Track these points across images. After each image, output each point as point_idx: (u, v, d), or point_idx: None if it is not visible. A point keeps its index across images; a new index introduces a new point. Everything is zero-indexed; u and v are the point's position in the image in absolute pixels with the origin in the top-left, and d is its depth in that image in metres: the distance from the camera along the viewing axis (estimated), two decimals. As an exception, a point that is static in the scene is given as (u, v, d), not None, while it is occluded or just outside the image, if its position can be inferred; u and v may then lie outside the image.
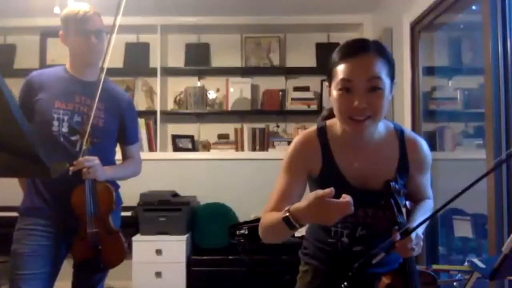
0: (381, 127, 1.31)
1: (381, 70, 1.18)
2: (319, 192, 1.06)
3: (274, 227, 1.19)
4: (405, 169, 1.30)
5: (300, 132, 1.38)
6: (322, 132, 1.32)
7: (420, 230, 1.19)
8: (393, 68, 1.25)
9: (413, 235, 1.14)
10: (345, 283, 1.20)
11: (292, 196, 1.27)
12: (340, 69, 1.18)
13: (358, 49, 1.19)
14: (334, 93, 1.21)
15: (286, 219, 1.12)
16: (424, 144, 1.35)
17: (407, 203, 1.28)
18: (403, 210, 1.26)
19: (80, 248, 1.82)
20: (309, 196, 1.10)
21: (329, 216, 1.07)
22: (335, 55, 1.23)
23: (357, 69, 1.17)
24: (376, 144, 1.29)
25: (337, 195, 1.18)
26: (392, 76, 1.24)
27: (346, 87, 1.17)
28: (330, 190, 1.05)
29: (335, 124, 1.31)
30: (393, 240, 1.14)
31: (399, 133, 1.33)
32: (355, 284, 1.25)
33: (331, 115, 1.35)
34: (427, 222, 1.29)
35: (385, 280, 1.26)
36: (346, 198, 1.06)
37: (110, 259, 1.84)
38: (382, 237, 1.23)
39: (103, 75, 1.84)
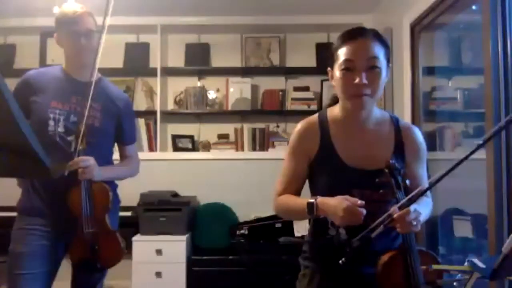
0: (377, 113, 1.42)
1: (379, 52, 1.32)
2: (350, 198, 1.21)
3: (294, 209, 1.37)
4: (401, 154, 1.38)
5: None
6: (322, 116, 1.44)
7: (424, 213, 1.23)
8: (389, 52, 1.38)
9: (411, 208, 1.16)
10: (343, 259, 1.22)
11: (297, 179, 1.42)
12: (342, 52, 1.33)
13: (358, 34, 1.33)
14: (337, 73, 1.34)
15: (310, 205, 1.28)
16: (418, 132, 1.44)
17: (407, 181, 1.28)
18: (403, 189, 1.26)
19: (77, 248, 1.82)
20: (338, 197, 1.23)
21: (343, 217, 1.19)
22: (337, 41, 1.37)
23: (357, 50, 1.31)
24: (373, 127, 1.40)
25: (333, 175, 1.36)
26: (388, 59, 1.37)
27: (348, 67, 1.31)
28: (361, 202, 1.19)
29: (336, 109, 1.44)
30: (391, 213, 1.17)
31: (395, 120, 1.44)
32: (352, 277, 1.32)
33: (333, 103, 1.47)
34: (428, 213, 1.35)
35: (384, 258, 1.25)
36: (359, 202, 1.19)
37: (107, 259, 1.84)
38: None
39: (94, 76, 1.84)
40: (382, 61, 1.32)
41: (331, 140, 1.39)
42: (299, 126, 1.45)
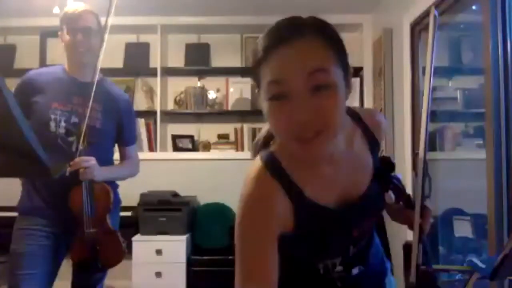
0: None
1: (327, 58, 0.82)
2: None
3: None
4: (377, 149, 1.06)
5: (246, 181, 0.94)
6: (274, 166, 0.92)
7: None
8: (344, 52, 0.87)
9: (429, 206, 1.03)
10: None
11: (273, 266, 0.87)
12: (266, 69, 0.83)
13: (287, 34, 0.83)
14: (264, 104, 0.85)
15: None
16: (380, 114, 1.14)
17: (397, 175, 1.14)
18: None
19: (78, 248, 1.82)
20: None
21: None
22: (258, 46, 0.85)
23: (288, 63, 0.81)
24: (344, 148, 0.98)
25: (325, 230, 0.96)
26: (344, 63, 0.86)
27: (278, 93, 0.81)
28: None
29: (285, 145, 0.92)
30: (420, 222, 0.99)
31: (357, 118, 1.03)
32: None
33: (271, 135, 0.99)
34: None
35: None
36: None
37: (108, 259, 1.84)
38: (370, 245, 1.11)
39: (96, 76, 1.85)
40: (334, 74, 0.82)
41: (303, 193, 0.92)
42: (249, 200, 0.90)
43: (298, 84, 0.80)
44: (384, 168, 1.07)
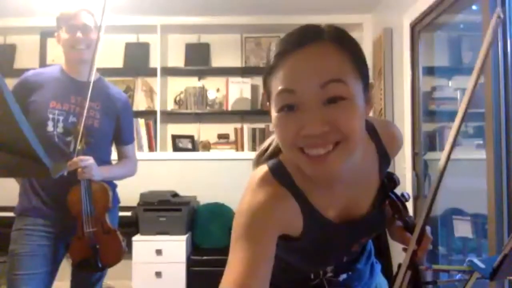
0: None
1: (343, 68, 0.75)
2: None
3: None
4: (387, 166, 1.00)
5: (251, 186, 0.88)
6: (281, 173, 0.86)
7: None
8: (363, 63, 0.80)
9: (429, 233, 0.95)
10: None
11: (264, 265, 0.83)
12: (277, 77, 0.77)
13: (303, 38, 0.75)
14: (274, 115, 0.79)
15: None
16: (395, 127, 1.06)
17: (405, 193, 1.05)
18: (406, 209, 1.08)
19: (78, 247, 1.83)
20: None
21: None
22: (271, 54, 0.81)
23: (300, 70, 0.74)
24: (356, 167, 0.89)
25: (326, 243, 0.94)
26: (364, 75, 0.79)
27: (289, 104, 0.75)
28: None
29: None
30: (415, 249, 0.88)
31: (372, 132, 0.96)
32: None
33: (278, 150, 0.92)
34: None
35: None
36: None
37: (108, 258, 1.85)
38: (363, 252, 1.12)
39: (92, 76, 1.86)
40: (351, 85, 0.74)
41: (311, 204, 0.88)
42: (266, 206, 0.81)
43: (310, 94, 0.73)
44: (387, 184, 1.01)
